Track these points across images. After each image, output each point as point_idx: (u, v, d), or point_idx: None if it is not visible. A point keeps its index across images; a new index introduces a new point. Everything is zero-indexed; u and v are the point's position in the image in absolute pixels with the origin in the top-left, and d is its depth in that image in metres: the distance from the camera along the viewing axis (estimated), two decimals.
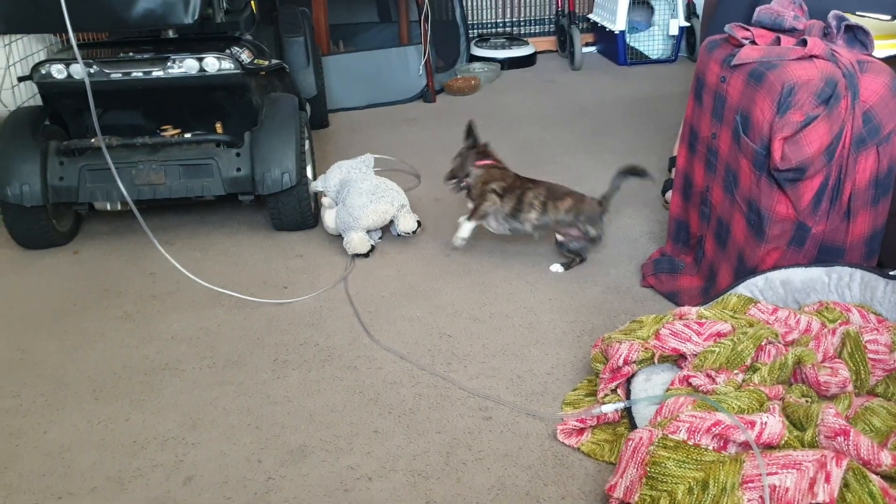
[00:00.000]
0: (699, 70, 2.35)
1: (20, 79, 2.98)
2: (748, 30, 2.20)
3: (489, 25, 5.60)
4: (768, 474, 1.46)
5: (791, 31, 2.16)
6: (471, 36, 5.28)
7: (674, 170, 2.78)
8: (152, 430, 1.91)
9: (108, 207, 2.88)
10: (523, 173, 2.72)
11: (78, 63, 2.67)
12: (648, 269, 2.51)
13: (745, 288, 2.12)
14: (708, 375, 1.80)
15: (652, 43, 5.17)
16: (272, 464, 1.80)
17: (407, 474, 1.76)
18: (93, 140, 2.76)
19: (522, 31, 5.59)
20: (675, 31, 5.02)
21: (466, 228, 2.68)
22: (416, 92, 4.63)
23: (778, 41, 2.12)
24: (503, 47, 5.22)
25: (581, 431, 1.86)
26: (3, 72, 3.14)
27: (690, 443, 1.58)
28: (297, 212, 2.97)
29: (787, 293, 2.09)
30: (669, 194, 2.82)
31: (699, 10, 4.98)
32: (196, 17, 2.65)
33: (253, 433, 1.90)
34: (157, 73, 2.76)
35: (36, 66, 2.75)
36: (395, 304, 2.47)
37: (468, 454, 1.81)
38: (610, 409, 1.85)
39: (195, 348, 2.26)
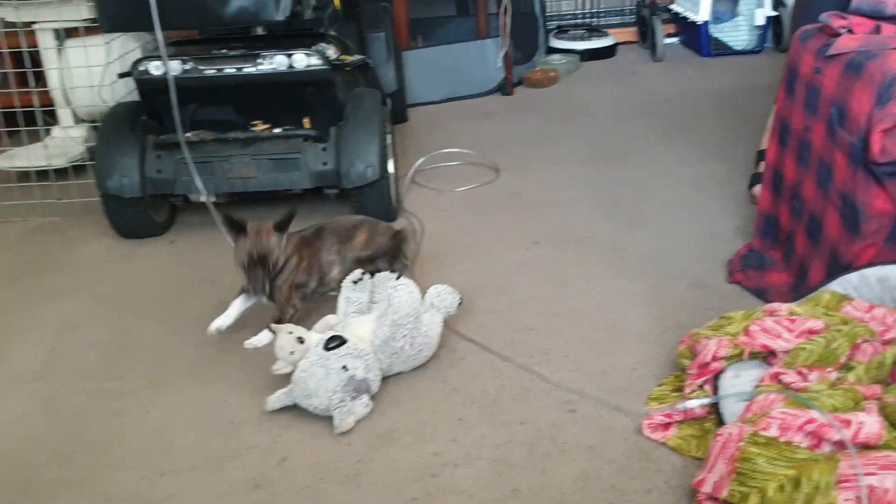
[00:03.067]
0: (791, 61, 2.31)
1: (120, 75, 3.12)
2: (845, 18, 2.14)
3: (568, 17, 5.57)
4: (866, 475, 1.44)
5: (893, 19, 2.10)
6: (549, 27, 5.26)
7: (762, 164, 2.73)
8: (248, 413, 1.99)
9: (202, 199, 2.99)
10: (604, 168, 2.71)
11: (174, 60, 2.78)
12: (735, 265, 2.48)
13: (839, 285, 2.07)
14: (799, 373, 1.78)
15: (736, 33, 5.05)
16: (361, 447, 1.85)
17: (492, 463, 1.79)
18: (188, 134, 2.86)
19: (602, 23, 5.54)
20: (761, 21, 4.90)
21: (265, 336, 2.18)
22: (494, 85, 4.64)
23: (878, 30, 2.06)
24: (582, 39, 5.19)
25: (667, 426, 1.85)
26: (103, 69, 3.28)
27: (782, 440, 1.56)
28: (379, 205, 3.02)
29: (883, 291, 2.04)
30: (757, 188, 2.77)
31: (787, 0, 4.85)
32: (287, 15, 2.73)
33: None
34: (249, 69, 2.85)
35: (135, 64, 2.88)
36: (475, 296, 2.49)
37: (552, 446, 1.83)
38: (697, 404, 1.84)
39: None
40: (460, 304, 2.20)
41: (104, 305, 2.56)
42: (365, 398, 1.95)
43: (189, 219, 3.18)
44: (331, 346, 1.94)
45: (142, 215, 2.98)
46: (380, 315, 2.06)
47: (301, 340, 1.97)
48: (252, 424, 1.95)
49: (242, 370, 2.16)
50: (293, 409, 1.98)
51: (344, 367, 1.92)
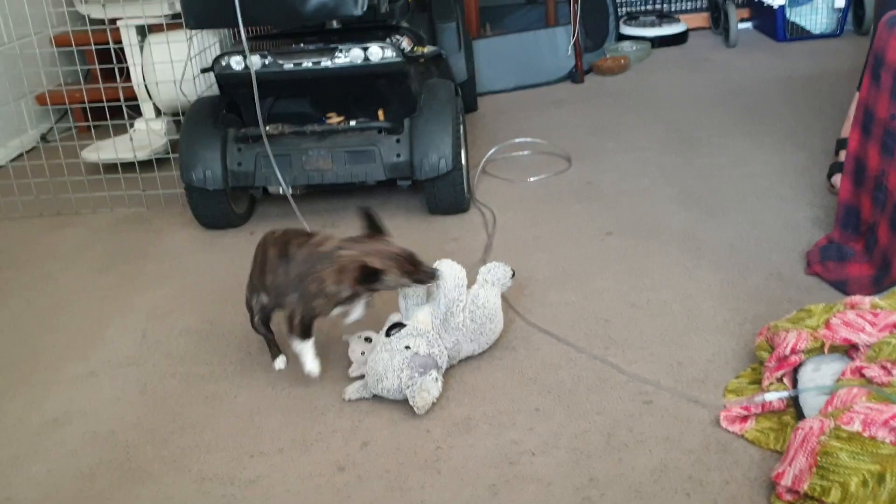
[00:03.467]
0: (878, 47, 2.26)
1: (202, 70, 3.23)
2: None
3: (638, 3, 5.51)
4: None
5: None
6: (620, 14, 5.21)
7: (841, 153, 2.68)
8: (329, 399, 2.06)
9: (281, 191, 3.08)
10: (678, 156, 2.69)
11: (255, 55, 2.87)
12: (814, 257, 2.45)
13: None
14: (883, 367, 1.76)
15: (814, 17, 4.92)
16: (440, 434, 1.90)
17: (569, 452, 1.82)
18: (268, 128, 2.95)
19: (673, 8, 5.47)
20: (840, 3, 4.77)
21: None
22: (564, 73, 4.64)
23: None
24: (653, 25, 5.14)
25: (745, 419, 1.85)
26: (185, 64, 3.40)
27: (865, 435, 1.56)
28: (452, 196, 3.07)
29: None
30: (836, 178, 2.72)
31: None
32: (364, 9, 2.78)
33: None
34: (326, 62, 2.92)
35: (217, 59, 2.97)
36: (548, 288, 2.52)
37: (629, 436, 1.85)
38: (775, 396, 1.84)
39: (360, 325, 2.39)
40: (513, 276, 2.24)
41: (191, 294, 2.67)
42: (434, 373, 1.99)
43: (267, 210, 3.28)
44: (391, 331, 2.06)
45: (223, 207, 3.09)
46: (433, 298, 2.13)
47: (369, 340, 2.14)
48: (334, 410, 2.02)
49: (323, 358, 2.23)
50: (372, 397, 2.05)
51: (406, 347, 2.00)
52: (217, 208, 3.09)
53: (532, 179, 3.37)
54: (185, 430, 2.00)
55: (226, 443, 1.94)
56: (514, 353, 2.19)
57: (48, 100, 3.72)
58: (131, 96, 3.72)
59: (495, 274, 2.22)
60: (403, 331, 2.05)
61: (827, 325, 1.87)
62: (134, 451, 1.94)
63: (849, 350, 1.86)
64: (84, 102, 3.56)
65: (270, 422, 2.00)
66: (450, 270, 2.12)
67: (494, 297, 2.18)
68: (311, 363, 2.04)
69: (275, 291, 2.09)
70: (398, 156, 2.97)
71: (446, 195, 3.07)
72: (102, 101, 3.47)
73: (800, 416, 1.78)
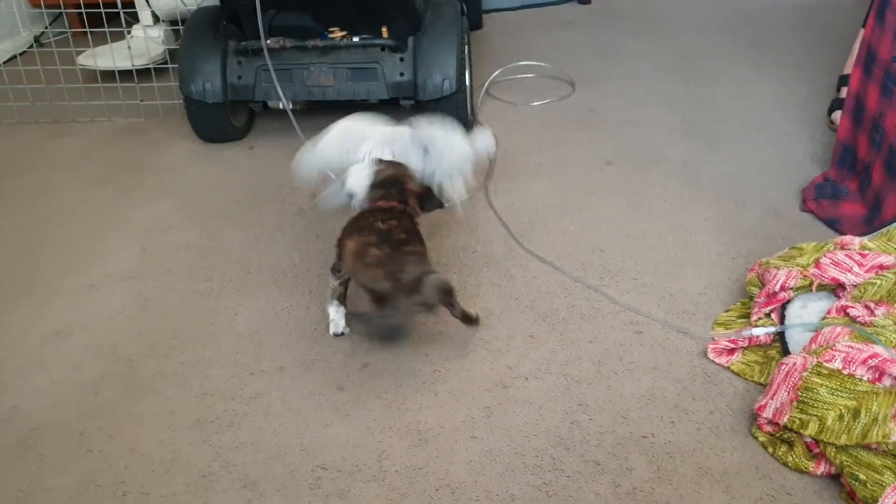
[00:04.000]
0: None
1: None
2: None
3: None
4: None
5: None
6: None
7: (843, 89, 2.67)
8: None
9: (281, 106, 3.05)
10: (682, 85, 2.67)
11: None
12: (809, 194, 2.47)
13: None
14: (867, 307, 1.81)
15: None
16: (438, 357, 1.96)
17: (560, 377, 1.88)
18: (269, 41, 2.91)
19: None
20: None
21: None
22: None
23: None
24: None
25: (731, 351, 1.91)
26: None
27: (845, 372, 1.61)
28: (455, 118, 3.05)
29: None
30: (836, 115, 2.73)
31: None
32: None
33: (420, 328, 2.06)
34: None
35: None
36: (547, 216, 2.54)
37: (619, 364, 1.91)
38: (762, 331, 1.90)
39: None
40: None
41: (190, 209, 2.69)
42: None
43: (266, 125, 3.27)
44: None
45: (222, 120, 3.07)
46: None
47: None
48: None
49: (324, 280, 2.27)
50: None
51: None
52: (216, 122, 3.07)
53: (535, 104, 3.35)
54: (185, 345, 2.05)
55: (226, 360, 1.99)
56: (512, 281, 2.24)
57: (41, 1, 3.63)
58: (129, 2, 3.64)
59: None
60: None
61: (816, 264, 1.91)
62: (136, 365, 1.99)
63: (836, 289, 1.91)
64: (80, 6, 3.48)
65: (271, 340, 2.05)
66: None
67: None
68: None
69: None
70: (401, 75, 2.94)
71: (448, 116, 3.05)
72: (99, 6, 3.40)
73: (785, 351, 1.84)
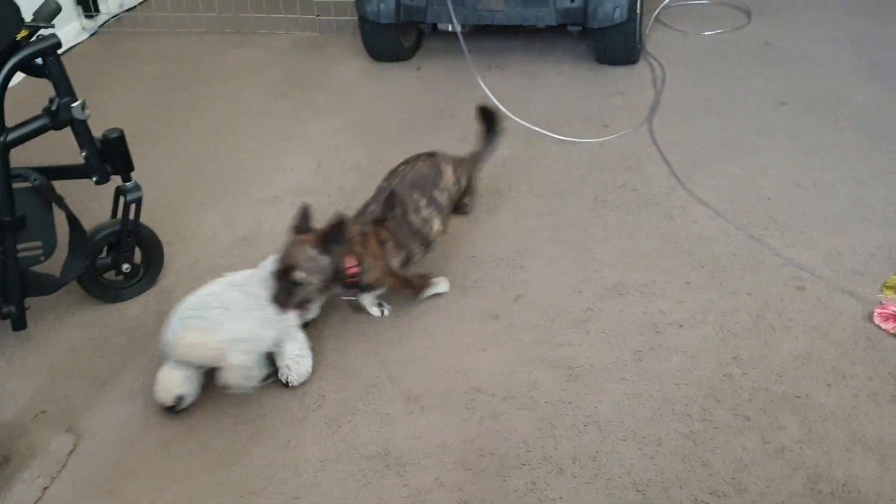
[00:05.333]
0: None
1: None
2: None
3: None
4: None
5: None
6: None
7: None
8: (489, 249, 2.19)
9: (450, 29, 3.09)
10: (871, 20, 2.50)
11: None
12: None
13: None
14: None
15: None
16: (591, 296, 2.01)
17: (716, 328, 1.89)
18: None
19: None
20: None
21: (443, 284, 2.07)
22: None
23: None
24: None
25: None
26: None
27: None
28: (622, 47, 3.01)
29: None
30: None
31: None
32: None
33: (574, 265, 2.11)
34: None
35: None
36: (713, 156, 2.49)
37: (777, 320, 1.90)
38: None
39: (524, 177, 2.48)
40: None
41: (359, 128, 2.81)
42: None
43: (433, 45, 3.32)
44: None
45: (393, 40, 3.15)
46: None
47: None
48: (492, 261, 2.15)
49: (487, 209, 2.34)
50: (528, 251, 2.16)
51: None
52: (387, 41, 3.16)
53: (707, 33, 3.23)
54: None
55: None
56: (672, 223, 2.23)
57: None
58: None
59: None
60: None
61: None
62: None
63: None
64: None
65: (429, 265, 2.14)
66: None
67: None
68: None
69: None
70: (572, 1, 2.90)
71: (617, 46, 3.01)
72: None
73: None
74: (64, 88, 1.81)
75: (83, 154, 1.88)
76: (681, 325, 1.90)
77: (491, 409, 1.72)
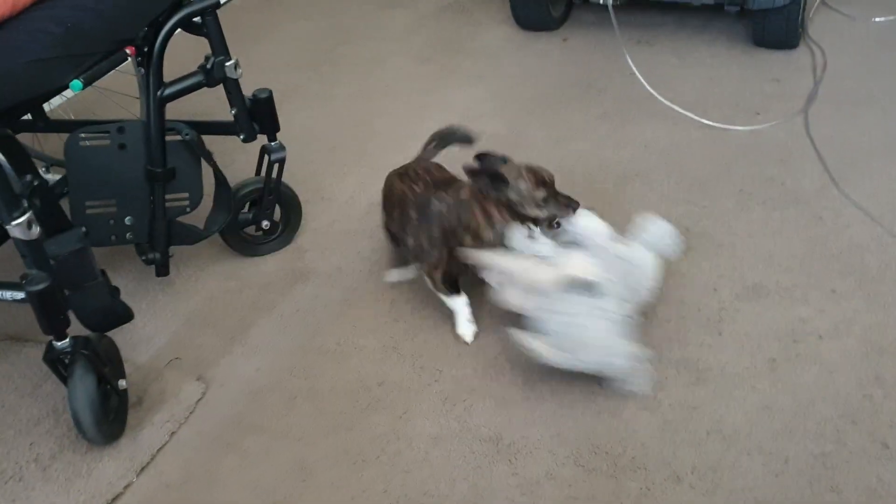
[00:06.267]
0: None
1: None
2: None
3: None
4: None
5: None
6: None
7: None
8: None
9: (601, 1, 2.99)
10: None
11: None
12: None
13: None
14: None
15: None
16: (727, 295, 1.92)
17: (861, 342, 1.77)
18: None
19: None
20: None
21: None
22: None
23: None
24: None
25: None
26: None
27: None
28: (783, 30, 2.83)
29: None
30: None
31: None
32: None
33: (711, 260, 2.02)
34: None
35: None
36: (875, 155, 2.32)
37: None
38: None
39: (665, 162, 2.39)
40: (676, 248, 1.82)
41: (501, 98, 2.78)
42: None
43: (583, 16, 3.23)
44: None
45: (541, 9, 3.08)
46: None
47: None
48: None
49: (621, 192, 2.28)
50: None
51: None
52: (535, 9, 3.09)
53: (878, 19, 2.99)
54: None
55: None
56: (821, 225, 2.10)
57: None
58: None
59: (655, 235, 1.80)
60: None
61: None
62: None
63: None
64: None
65: None
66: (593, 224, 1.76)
67: (652, 260, 1.77)
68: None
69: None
70: None
71: (776, 28, 2.83)
72: None
73: None
74: (220, 47, 1.87)
75: (233, 112, 1.94)
76: (821, 336, 1.80)
77: (611, 405, 1.68)
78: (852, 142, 2.39)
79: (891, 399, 1.65)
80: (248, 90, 1.95)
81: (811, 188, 2.24)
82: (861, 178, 2.25)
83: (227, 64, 1.87)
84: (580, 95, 2.75)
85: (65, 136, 1.79)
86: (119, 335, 1.75)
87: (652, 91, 2.60)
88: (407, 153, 2.51)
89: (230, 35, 1.88)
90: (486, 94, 2.81)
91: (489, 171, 1.74)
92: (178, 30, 1.81)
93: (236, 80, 1.90)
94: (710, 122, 2.52)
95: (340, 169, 2.48)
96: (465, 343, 1.84)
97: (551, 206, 1.74)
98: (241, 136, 1.98)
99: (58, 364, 1.60)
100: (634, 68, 2.62)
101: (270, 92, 1.96)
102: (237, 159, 2.33)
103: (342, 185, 2.41)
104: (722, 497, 1.49)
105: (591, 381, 1.71)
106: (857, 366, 1.72)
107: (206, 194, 1.96)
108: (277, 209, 2.14)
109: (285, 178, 2.08)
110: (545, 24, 3.14)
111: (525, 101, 2.75)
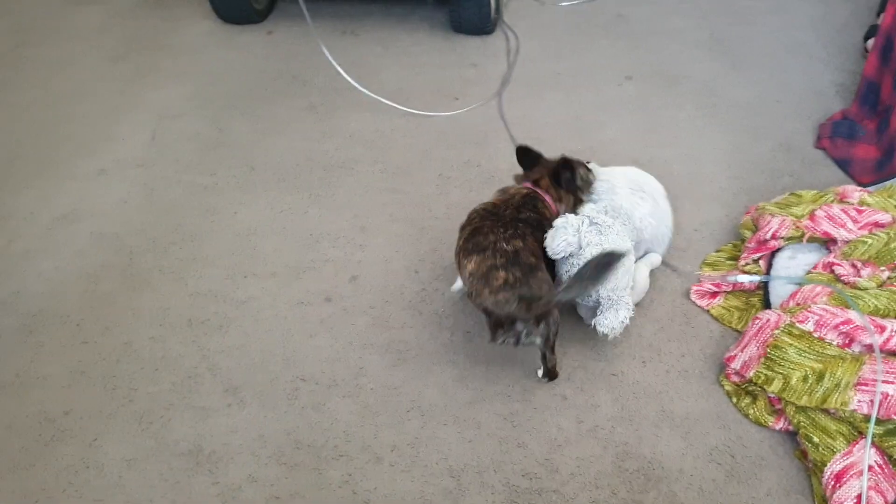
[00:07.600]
0: None
1: None
2: None
3: None
4: (884, 381, 1.52)
5: None
6: None
7: (882, 16, 2.55)
8: (326, 227, 2.15)
9: None
10: None
11: None
12: (826, 131, 2.41)
13: None
14: (853, 266, 1.81)
15: None
16: (427, 276, 2.00)
17: None
18: None
19: None
20: None
21: None
22: None
23: None
24: None
25: (714, 294, 1.94)
26: None
27: (816, 335, 1.64)
28: (478, 16, 2.98)
29: None
30: (871, 42, 2.61)
31: None
32: None
33: (413, 245, 2.09)
34: None
35: None
36: (557, 134, 2.51)
37: None
38: (747, 279, 1.90)
39: (370, 151, 2.44)
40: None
41: (203, 96, 2.69)
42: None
43: (288, 8, 3.20)
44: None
45: (243, 1, 3.01)
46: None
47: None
48: (329, 239, 2.11)
49: (327, 184, 2.29)
50: (368, 229, 2.13)
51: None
52: (237, 2, 3.02)
53: (564, 4, 3.24)
54: (185, 241, 2.11)
55: (222, 261, 2.05)
56: None
57: None
58: None
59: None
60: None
61: (811, 215, 1.90)
62: (136, 258, 2.06)
63: (827, 243, 1.90)
64: None
65: (266, 244, 2.09)
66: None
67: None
68: None
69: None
70: None
71: (471, 15, 2.97)
72: None
73: (766, 301, 1.86)
74: None
75: None
76: None
77: (314, 399, 1.70)
78: (540, 121, 2.57)
79: (568, 355, 1.80)
80: None
81: (505, 167, 2.37)
82: (547, 153, 2.41)
83: None
84: (285, 89, 2.73)
85: None
86: None
87: (353, 83, 2.63)
88: (95, 159, 2.36)
89: None
90: (188, 91, 2.71)
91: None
92: None
93: None
94: (412, 110, 2.60)
95: (19, 183, 2.29)
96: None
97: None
98: None
99: None
100: (332, 60, 2.63)
101: None
102: None
103: (20, 202, 2.22)
104: (419, 470, 1.55)
105: (294, 380, 1.71)
106: None
107: None
108: None
109: None
110: (248, 17, 3.08)
111: (229, 97, 2.68)
